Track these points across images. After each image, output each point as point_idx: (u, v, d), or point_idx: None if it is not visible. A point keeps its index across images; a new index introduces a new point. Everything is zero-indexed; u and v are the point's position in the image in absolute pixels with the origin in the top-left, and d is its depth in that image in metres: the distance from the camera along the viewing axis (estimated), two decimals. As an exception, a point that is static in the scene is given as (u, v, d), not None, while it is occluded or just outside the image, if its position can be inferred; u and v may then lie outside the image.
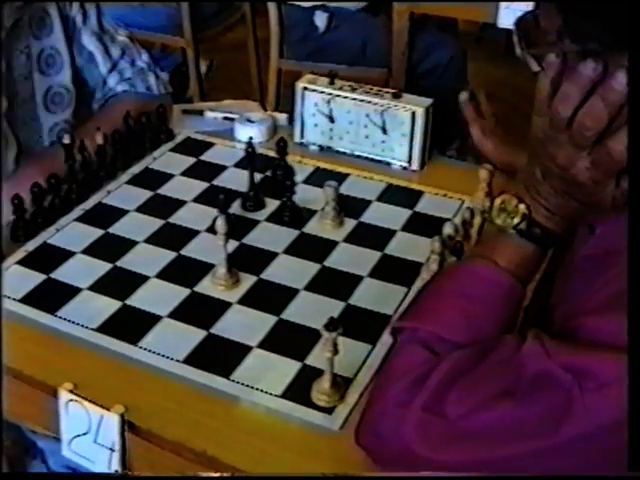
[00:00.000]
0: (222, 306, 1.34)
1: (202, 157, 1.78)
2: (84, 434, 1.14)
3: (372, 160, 1.75)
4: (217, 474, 1.08)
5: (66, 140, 1.57)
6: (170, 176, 1.70)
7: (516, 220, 1.06)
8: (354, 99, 1.71)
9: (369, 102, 1.70)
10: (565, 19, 0.92)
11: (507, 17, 2.81)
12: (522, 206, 1.06)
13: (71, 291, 1.37)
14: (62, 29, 1.76)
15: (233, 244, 1.44)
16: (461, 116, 1.68)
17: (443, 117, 1.76)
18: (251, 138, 1.61)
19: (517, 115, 3.85)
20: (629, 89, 0.88)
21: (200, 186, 1.66)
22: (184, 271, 1.41)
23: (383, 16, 3.38)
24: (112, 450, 1.13)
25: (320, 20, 3.40)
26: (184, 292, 1.37)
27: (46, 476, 1.29)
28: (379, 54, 3.32)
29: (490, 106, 1.67)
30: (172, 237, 1.50)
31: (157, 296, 1.36)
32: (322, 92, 1.74)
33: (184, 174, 1.71)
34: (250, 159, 1.57)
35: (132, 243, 1.48)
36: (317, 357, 1.22)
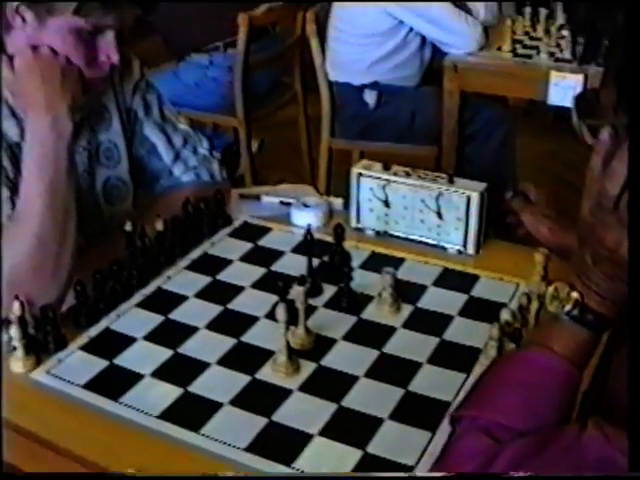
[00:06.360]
0: (283, 393, 1.34)
1: (259, 242, 1.80)
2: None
3: (428, 244, 1.76)
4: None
5: (127, 227, 1.61)
6: (229, 262, 1.72)
7: (568, 307, 1.07)
8: (409, 184, 1.73)
9: (424, 187, 1.72)
10: (619, 92, 0.94)
11: (557, 94, 2.84)
12: (574, 293, 1.07)
13: (133, 377, 1.38)
14: (120, 124, 1.81)
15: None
16: (509, 208, 1.70)
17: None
18: (309, 225, 1.64)
19: (566, 189, 3.87)
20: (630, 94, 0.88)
21: (258, 272, 1.68)
22: (244, 358, 1.42)
23: (434, 86, 3.43)
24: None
25: (370, 97, 3.45)
26: (245, 379, 1.37)
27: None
28: (428, 123, 3.37)
29: (540, 193, 1.68)
30: (232, 323, 1.51)
31: (218, 383, 1.37)
32: (377, 178, 1.76)
33: (242, 259, 1.73)
34: (308, 246, 1.60)
35: (192, 329, 1.49)
36: (379, 445, 1.23)
